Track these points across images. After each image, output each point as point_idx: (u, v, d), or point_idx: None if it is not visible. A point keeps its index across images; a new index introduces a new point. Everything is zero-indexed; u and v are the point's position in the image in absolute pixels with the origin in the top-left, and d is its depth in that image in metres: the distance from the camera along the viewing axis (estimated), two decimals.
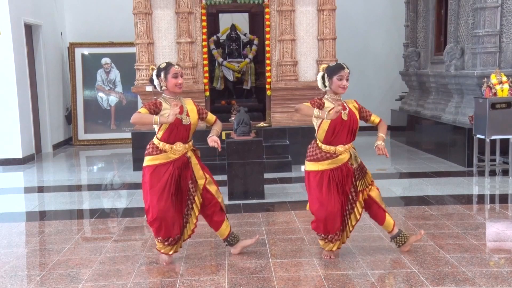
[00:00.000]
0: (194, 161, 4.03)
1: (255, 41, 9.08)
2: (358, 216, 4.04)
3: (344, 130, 3.94)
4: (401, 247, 4.18)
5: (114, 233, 4.98)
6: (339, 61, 8.24)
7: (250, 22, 9.92)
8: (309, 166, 4.02)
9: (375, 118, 4.15)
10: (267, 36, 8.10)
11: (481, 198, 6.22)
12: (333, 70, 3.95)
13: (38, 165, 8.85)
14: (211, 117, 4.18)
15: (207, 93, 8.18)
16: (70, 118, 10.99)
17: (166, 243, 4.01)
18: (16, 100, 8.70)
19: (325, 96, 4.03)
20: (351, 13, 11.10)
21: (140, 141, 8.01)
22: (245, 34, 9.34)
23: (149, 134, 7.93)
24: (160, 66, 3.97)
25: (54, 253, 4.42)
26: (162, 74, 3.92)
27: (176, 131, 3.91)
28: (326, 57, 8.10)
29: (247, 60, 8.97)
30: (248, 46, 9.17)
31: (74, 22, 11.21)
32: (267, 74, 8.17)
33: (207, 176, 4.07)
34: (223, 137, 7.51)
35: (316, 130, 4.00)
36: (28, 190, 7.20)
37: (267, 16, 8.06)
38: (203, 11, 8.01)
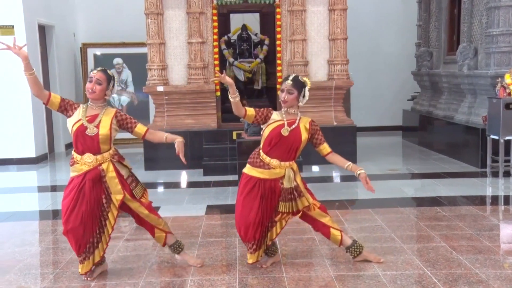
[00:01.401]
0: (110, 174, 3.72)
1: (266, 41, 9.08)
2: (274, 236, 3.90)
3: (282, 145, 3.78)
4: (355, 258, 4.00)
5: (125, 232, 5.01)
6: (350, 61, 8.26)
7: (261, 22, 9.92)
8: (246, 168, 3.90)
9: (324, 148, 3.92)
10: (278, 36, 8.09)
11: (494, 199, 6.16)
12: (281, 82, 3.89)
13: (51, 164, 8.92)
14: (140, 129, 3.85)
15: (218, 93, 8.19)
16: None
17: (79, 259, 3.75)
18: (29, 100, 8.78)
19: (282, 110, 3.89)
20: (363, 12, 11.05)
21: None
22: (256, 34, 9.35)
23: None
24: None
25: (67, 252, 4.45)
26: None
27: (82, 140, 3.69)
28: (337, 57, 8.07)
29: (258, 60, 8.97)
30: (259, 46, 9.17)
31: (86, 23, 11.29)
32: (278, 74, 8.16)
33: (126, 193, 3.76)
34: (234, 137, 7.52)
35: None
36: (41, 189, 7.27)
37: (278, 16, 8.05)
38: (214, 11, 8.03)
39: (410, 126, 10.36)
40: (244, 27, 9.27)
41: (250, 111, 3.86)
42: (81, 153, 3.73)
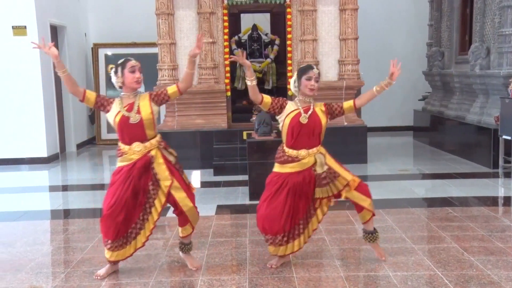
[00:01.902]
0: (158, 160, 3.74)
1: (277, 41, 9.07)
2: (315, 225, 3.91)
3: (304, 134, 3.80)
4: (366, 241, 4.07)
5: None
6: (360, 61, 8.22)
7: (272, 22, 9.91)
8: (275, 167, 3.91)
9: (348, 106, 3.89)
10: (289, 36, 8.08)
11: (507, 200, 6.10)
12: (302, 71, 3.87)
13: (63, 164, 8.99)
14: (172, 89, 3.85)
15: (229, 93, 8.20)
16: (93, 118, 11.13)
17: (112, 246, 3.77)
18: (41, 100, 8.86)
19: (294, 99, 3.92)
20: (373, 12, 11.00)
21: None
22: (266, 34, 9.34)
23: (171, 133, 8.02)
24: (118, 63, 3.80)
25: (78, 251, 4.48)
26: (119, 70, 3.75)
27: (127, 130, 3.71)
28: (348, 57, 8.05)
29: (269, 60, 8.97)
30: (270, 46, 9.17)
31: (97, 23, 11.36)
32: (289, 74, 8.15)
33: (174, 180, 3.74)
34: (244, 137, 7.52)
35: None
36: (52, 188, 7.32)
37: (288, 16, 8.05)
38: (225, 11, 8.04)
39: (421, 126, 10.30)
40: (254, 27, 9.27)
41: (267, 98, 3.86)
42: (129, 143, 3.75)
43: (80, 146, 10.50)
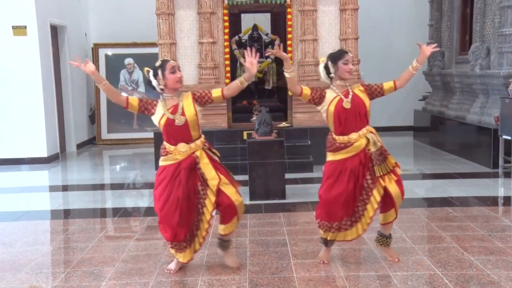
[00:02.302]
0: (204, 160, 3.77)
1: (277, 41, 9.06)
2: (375, 205, 3.84)
3: (350, 118, 3.83)
4: (378, 245, 4.08)
5: (136, 232, 5.03)
6: (361, 61, 8.22)
7: (272, 22, 9.91)
8: (329, 156, 3.97)
9: (388, 86, 3.93)
10: (289, 36, 8.08)
11: (507, 200, 6.10)
12: (337, 56, 3.90)
13: (63, 164, 8.99)
14: (216, 93, 3.83)
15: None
16: (93, 118, 11.14)
17: (174, 247, 3.85)
18: (41, 100, 8.86)
19: (330, 87, 3.95)
20: (374, 12, 11.00)
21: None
22: (267, 34, 9.34)
23: None
24: (156, 65, 3.82)
25: (78, 251, 4.49)
26: (159, 72, 3.76)
27: (173, 132, 3.74)
28: None
29: (269, 60, 8.96)
30: (270, 46, 9.16)
31: (98, 23, 11.36)
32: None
33: (222, 176, 3.78)
34: (245, 137, 7.53)
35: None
36: (53, 188, 7.32)
37: (289, 16, 8.04)
38: (225, 11, 8.04)
39: (422, 126, 10.30)
40: (255, 27, 9.27)
41: (306, 89, 3.90)
42: (174, 144, 3.77)
43: (80, 146, 10.50)
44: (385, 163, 3.85)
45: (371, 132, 3.89)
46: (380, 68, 11.05)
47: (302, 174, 7.33)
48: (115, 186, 7.32)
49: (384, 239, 4.04)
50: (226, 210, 3.82)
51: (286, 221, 5.22)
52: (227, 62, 8.13)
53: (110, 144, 10.90)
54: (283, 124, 8.03)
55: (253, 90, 9.26)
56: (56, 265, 4.27)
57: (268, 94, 9.25)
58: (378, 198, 3.85)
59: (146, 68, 3.94)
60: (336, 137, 3.89)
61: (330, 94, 3.90)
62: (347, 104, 3.83)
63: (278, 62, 9.07)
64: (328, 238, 3.97)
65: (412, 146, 9.87)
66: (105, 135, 11.00)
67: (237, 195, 3.82)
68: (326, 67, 3.94)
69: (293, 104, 8.14)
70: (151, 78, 3.82)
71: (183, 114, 3.74)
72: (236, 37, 9.08)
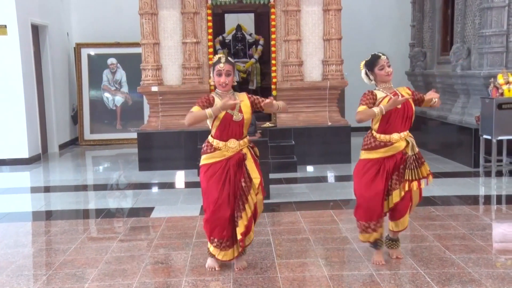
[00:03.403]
0: (250, 158, 3.84)
1: (261, 41, 9.09)
2: (391, 205, 3.90)
3: (398, 118, 3.89)
4: (389, 250, 4.11)
5: (119, 233, 5.00)
6: (345, 61, 8.28)
7: (256, 22, 9.93)
8: (363, 155, 3.97)
9: (427, 96, 4.11)
10: (273, 36, 8.10)
11: (487, 199, 6.19)
12: (372, 63, 3.96)
13: (45, 165, 8.89)
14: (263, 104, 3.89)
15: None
16: (76, 118, 11.03)
17: (219, 246, 3.83)
18: (22, 100, 8.74)
19: (376, 88, 4.00)
20: (357, 13, 11.07)
21: (146, 141, 8.05)
22: (250, 34, 9.35)
23: (155, 134, 7.99)
24: (213, 60, 3.90)
25: (60, 253, 4.44)
26: (211, 71, 3.87)
27: (228, 127, 3.77)
28: (332, 57, 8.09)
29: (253, 60, 8.98)
30: (254, 46, 9.18)
31: (80, 23, 11.25)
32: (273, 74, 8.17)
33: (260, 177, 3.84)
34: None
35: (371, 120, 3.96)
36: (34, 190, 7.23)
37: (272, 16, 8.06)
38: (209, 11, 8.02)
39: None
40: (238, 27, 9.28)
41: (362, 108, 3.84)
42: (226, 139, 3.79)
43: (62, 146, 10.39)
44: (419, 169, 3.90)
45: (410, 136, 3.95)
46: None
47: (286, 174, 7.35)
48: (98, 187, 7.26)
49: (393, 243, 4.09)
50: (249, 222, 3.86)
51: (270, 221, 5.23)
52: (211, 62, 8.09)
53: (93, 145, 10.81)
54: (267, 124, 8.04)
55: (237, 90, 9.25)
56: (37, 267, 4.23)
57: (252, 94, 9.25)
58: (396, 199, 3.90)
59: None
60: (377, 135, 3.92)
61: (379, 94, 3.94)
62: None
63: (262, 62, 9.09)
64: (371, 240, 3.96)
65: None
66: (88, 135, 10.90)
67: (262, 202, 3.90)
68: (366, 74, 4.02)
69: None
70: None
71: (240, 111, 3.80)
72: (220, 37, 9.08)
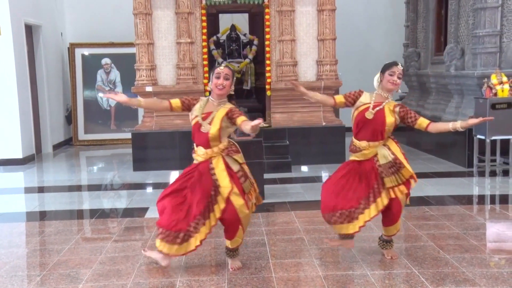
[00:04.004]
0: (220, 167, 3.77)
1: (255, 42, 9.08)
2: (380, 207, 3.90)
3: (367, 128, 3.93)
4: (383, 250, 4.15)
5: (114, 233, 4.98)
6: (340, 62, 8.28)
7: (250, 22, 9.92)
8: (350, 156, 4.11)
9: (422, 122, 4.03)
10: (267, 36, 8.10)
11: (481, 199, 6.22)
12: (387, 66, 4.00)
13: (39, 165, 8.85)
14: (239, 120, 3.76)
15: (207, 94, 8.14)
16: (70, 118, 10.99)
17: (165, 237, 3.77)
18: (16, 101, 8.70)
19: (374, 92, 4.03)
20: (351, 13, 11.10)
21: (140, 141, 8.03)
22: (245, 35, 9.35)
23: (149, 134, 7.97)
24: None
25: (54, 253, 4.42)
26: (211, 74, 3.89)
27: (197, 135, 3.82)
28: (326, 57, 8.10)
29: (247, 60, 8.97)
30: (248, 46, 9.17)
31: (74, 23, 11.22)
32: (267, 74, 8.17)
33: (234, 186, 3.75)
34: None
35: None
36: (28, 190, 7.21)
37: (267, 17, 8.06)
38: (203, 11, 8.02)
39: (399, 126, 10.40)
40: (233, 27, 9.27)
41: (339, 98, 4.00)
42: (196, 145, 3.88)
43: (56, 147, 10.35)
44: (398, 174, 3.91)
45: (384, 145, 3.97)
46: (358, 68, 11.15)
47: (280, 174, 7.36)
48: (92, 187, 7.23)
49: (386, 244, 4.12)
50: (230, 227, 3.85)
51: (264, 221, 5.23)
52: (205, 63, 8.11)
53: (87, 145, 10.78)
54: (262, 124, 8.04)
55: (231, 93, 9.24)
56: (31, 267, 4.21)
57: (247, 94, 9.25)
58: (385, 202, 3.91)
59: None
60: (353, 139, 4.04)
61: (364, 98, 3.99)
62: (369, 115, 3.92)
63: (257, 62, 9.09)
64: (342, 232, 3.98)
65: None
66: (82, 135, 10.87)
67: (244, 207, 3.79)
68: (379, 76, 4.06)
69: (272, 104, 8.16)
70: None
71: (210, 123, 3.78)
72: (214, 37, 9.07)
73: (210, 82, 3.89)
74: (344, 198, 3.91)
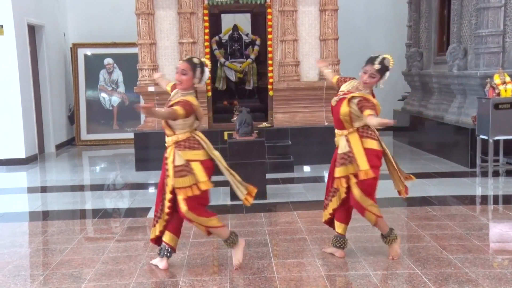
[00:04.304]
0: (170, 159, 3.82)
1: (257, 42, 9.08)
2: (336, 204, 4.08)
3: (334, 115, 4.07)
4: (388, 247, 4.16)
5: (116, 233, 4.99)
6: (341, 62, 8.29)
7: (252, 22, 9.93)
8: None
9: (365, 113, 3.84)
10: (269, 36, 8.10)
11: (484, 199, 6.21)
12: (366, 61, 3.99)
13: (41, 165, 8.86)
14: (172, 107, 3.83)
15: (209, 94, 8.18)
16: (72, 118, 11.01)
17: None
18: (19, 101, 8.73)
19: (354, 79, 4.08)
20: (353, 13, 11.09)
21: (143, 141, 8.03)
22: (247, 35, 9.35)
23: (151, 134, 7.97)
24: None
25: (57, 253, 4.43)
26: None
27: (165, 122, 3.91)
28: (328, 57, 8.09)
29: (249, 60, 8.97)
30: (250, 46, 9.18)
31: (76, 23, 11.23)
32: (269, 74, 8.17)
33: (176, 180, 3.78)
34: (225, 137, 7.53)
35: None
36: (31, 190, 7.22)
37: (269, 17, 8.06)
38: (205, 11, 8.02)
39: (401, 126, 10.40)
40: (235, 27, 9.27)
41: (334, 79, 4.21)
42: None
43: (59, 147, 10.37)
44: (348, 167, 3.93)
45: (345, 136, 3.98)
46: (359, 68, 11.13)
47: (283, 174, 7.35)
48: (95, 187, 7.24)
49: (384, 239, 4.11)
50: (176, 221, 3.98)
51: (267, 221, 5.23)
52: (208, 62, 8.09)
53: (89, 145, 10.79)
54: (264, 124, 8.04)
55: (233, 90, 9.26)
56: (34, 267, 4.21)
57: (249, 94, 9.26)
58: (343, 196, 4.02)
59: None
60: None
61: (345, 87, 4.05)
62: (333, 102, 4.03)
63: (259, 62, 9.09)
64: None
65: (392, 146, 9.96)
66: (84, 135, 10.88)
67: (182, 203, 3.76)
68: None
69: (274, 104, 8.16)
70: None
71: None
72: (217, 37, 9.07)
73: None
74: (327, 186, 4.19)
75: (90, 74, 10.89)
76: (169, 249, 3.97)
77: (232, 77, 9.00)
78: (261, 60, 9.02)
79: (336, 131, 4.08)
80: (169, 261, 4.02)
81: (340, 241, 4.12)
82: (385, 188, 6.58)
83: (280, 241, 4.59)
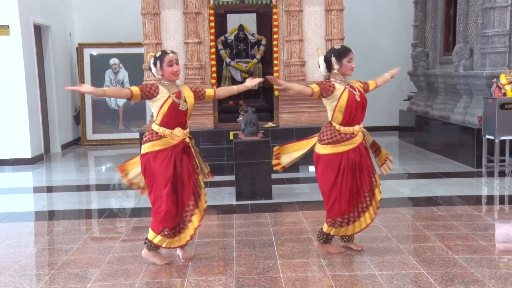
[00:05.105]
0: (193, 149, 4.06)
1: (263, 42, 9.07)
2: (379, 196, 4.09)
3: (358, 110, 4.03)
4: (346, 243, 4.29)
5: (122, 233, 5.00)
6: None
7: (258, 22, 9.92)
8: (326, 149, 4.06)
9: (371, 83, 4.27)
10: (275, 36, 8.09)
11: (490, 199, 6.18)
12: (342, 53, 4.04)
13: (47, 165, 8.90)
14: (210, 92, 4.18)
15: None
16: (78, 118, 11.05)
17: (169, 235, 3.95)
18: (25, 101, 8.76)
19: (332, 79, 4.08)
20: (359, 13, 11.07)
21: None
22: (252, 35, 9.35)
23: None
24: (156, 55, 4.01)
25: (62, 253, 4.45)
26: (158, 63, 3.97)
27: (175, 116, 3.91)
28: None
29: (255, 60, 8.97)
30: (256, 46, 9.17)
31: (82, 23, 11.27)
32: (275, 74, 8.15)
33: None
34: (231, 137, 7.53)
35: (331, 113, 4.06)
36: (37, 190, 7.25)
37: (275, 17, 8.05)
38: (211, 11, 8.02)
39: (407, 126, 10.38)
40: (241, 27, 9.27)
41: (315, 87, 4.01)
42: (173, 127, 3.93)
43: (65, 146, 10.41)
44: (379, 154, 4.17)
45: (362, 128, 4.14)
46: (365, 68, 11.08)
47: (288, 174, 7.33)
48: (100, 187, 7.26)
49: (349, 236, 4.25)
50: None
51: (272, 221, 5.23)
52: (213, 63, 8.11)
53: (95, 145, 10.82)
54: (269, 124, 8.04)
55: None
56: (40, 267, 4.23)
57: (254, 94, 9.25)
58: (379, 196, 4.10)
59: (150, 53, 4.18)
60: (342, 128, 4.02)
61: (338, 86, 4.03)
62: (358, 97, 4.01)
63: (264, 62, 9.08)
64: (331, 233, 4.11)
65: (398, 146, 9.95)
66: (90, 135, 10.92)
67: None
68: (327, 61, 4.05)
69: (279, 104, 8.15)
70: (151, 65, 4.04)
71: (185, 101, 3.96)
72: (222, 37, 9.07)
73: (158, 70, 3.98)
74: (354, 196, 4.13)
75: (96, 74, 10.92)
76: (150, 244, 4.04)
77: (238, 77, 8.99)
78: (267, 60, 9.01)
79: (358, 127, 4.05)
80: (172, 259, 4.06)
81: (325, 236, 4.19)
82: (390, 188, 6.57)
83: (285, 241, 4.59)
